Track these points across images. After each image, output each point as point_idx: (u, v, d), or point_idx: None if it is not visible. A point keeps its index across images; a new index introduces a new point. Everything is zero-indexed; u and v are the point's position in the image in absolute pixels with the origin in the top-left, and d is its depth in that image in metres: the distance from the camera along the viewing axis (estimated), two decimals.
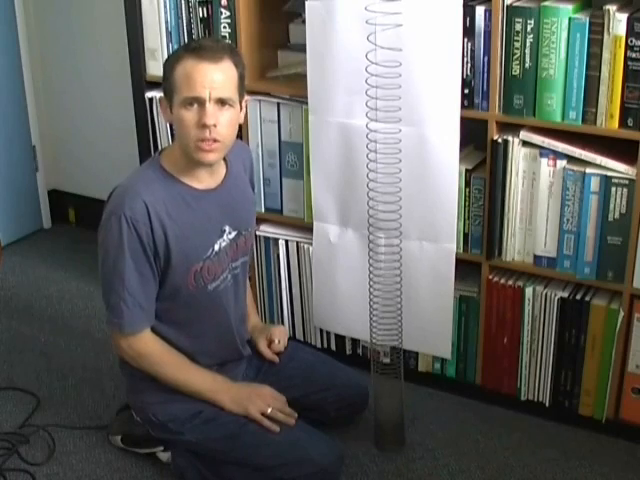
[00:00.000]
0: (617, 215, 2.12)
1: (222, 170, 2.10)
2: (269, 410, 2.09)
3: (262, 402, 2.10)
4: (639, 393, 2.27)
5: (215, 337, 2.15)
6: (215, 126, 1.91)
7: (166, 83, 1.97)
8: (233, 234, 2.12)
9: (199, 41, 2.01)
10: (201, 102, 1.90)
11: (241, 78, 1.98)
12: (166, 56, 2.50)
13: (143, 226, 1.94)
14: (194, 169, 2.01)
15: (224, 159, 2.08)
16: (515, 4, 2.09)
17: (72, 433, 2.37)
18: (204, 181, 2.04)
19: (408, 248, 2.27)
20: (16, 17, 3.32)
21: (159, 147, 2.59)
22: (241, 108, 2.01)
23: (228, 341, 2.19)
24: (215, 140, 1.93)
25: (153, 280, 2.01)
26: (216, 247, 2.07)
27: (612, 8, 1.98)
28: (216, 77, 1.91)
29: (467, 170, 2.27)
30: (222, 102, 1.92)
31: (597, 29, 2.01)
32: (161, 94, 2.56)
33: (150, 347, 2.07)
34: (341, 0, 2.18)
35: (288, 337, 2.37)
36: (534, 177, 2.19)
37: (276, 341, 2.31)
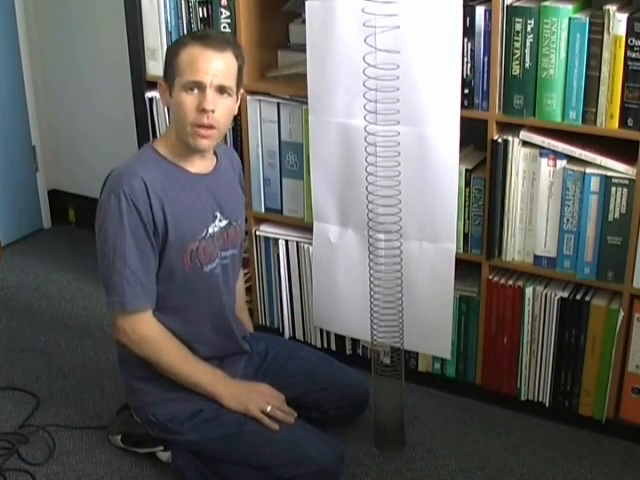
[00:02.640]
0: (617, 215, 2.12)
1: (213, 159, 2.15)
2: (268, 408, 2.09)
3: (262, 400, 2.10)
4: (639, 393, 2.27)
5: (210, 322, 2.15)
6: (213, 112, 1.97)
7: (169, 67, 2.02)
8: (224, 222, 2.14)
9: (205, 30, 2.12)
10: (202, 87, 1.96)
11: (240, 70, 2.05)
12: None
13: (142, 203, 1.97)
14: (188, 154, 2.06)
15: (214, 152, 2.14)
16: (515, 4, 2.09)
17: (72, 433, 2.37)
18: (197, 166, 2.09)
19: (408, 248, 2.27)
20: (16, 17, 3.32)
21: None
22: (237, 99, 2.07)
23: (223, 327, 2.19)
24: (211, 126, 1.98)
25: (153, 258, 2.03)
26: (210, 230, 2.10)
27: (612, 8, 1.98)
28: (219, 65, 1.97)
29: (467, 170, 2.27)
30: (222, 90, 1.99)
31: (597, 29, 2.01)
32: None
33: (154, 332, 2.06)
34: (341, 0, 2.18)
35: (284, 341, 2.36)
36: (534, 177, 2.19)
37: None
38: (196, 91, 1.97)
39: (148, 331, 2.06)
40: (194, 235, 2.06)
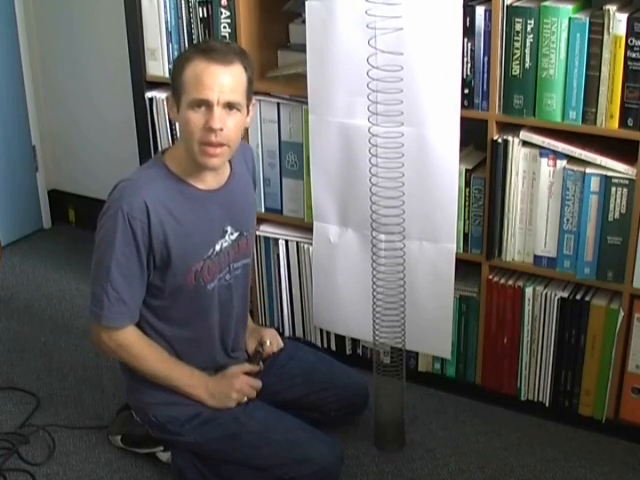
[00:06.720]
0: (617, 215, 2.12)
1: (226, 171, 2.09)
2: (245, 399, 2.12)
3: (240, 396, 2.12)
4: (639, 393, 2.27)
5: (212, 337, 2.14)
6: (222, 130, 1.90)
7: (174, 82, 1.96)
8: (235, 235, 2.11)
9: (210, 42, 2.01)
10: (209, 105, 1.89)
11: (250, 82, 1.97)
12: (166, 56, 2.52)
13: (139, 223, 1.93)
14: (198, 170, 2.00)
15: (228, 160, 2.06)
16: (515, 4, 2.09)
17: (72, 433, 2.37)
18: (208, 182, 2.04)
19: (408, 248, 2.27)
20: (16, 17, 3.32)
21: (159, 147, 2.59)
22: (248, 112, 2.00)
23: (227, 340, 2.19)
24: (221, 144, 1.92)
25: (141, 279, 2.00)
26: (217, 247, 2.07)
27: (612, 8, 1.98)
28: (225, 80, 1.90)
29: (467, 170, 2.27)
30: (230, 106, 1.91)
31: (597, 29, 2.01)
32: (161, 94, 2.57)
33: (130, 339, 2.04)
34: (341, 0, 2.18)
35: (284, 340, 2.36)
36: (534, 177, 2.19)
37: (267, 342, 2.29)
38: (203, 108, 1.89)
39: (124, 340, 2.04)
40: (198, 256, 2.03)
